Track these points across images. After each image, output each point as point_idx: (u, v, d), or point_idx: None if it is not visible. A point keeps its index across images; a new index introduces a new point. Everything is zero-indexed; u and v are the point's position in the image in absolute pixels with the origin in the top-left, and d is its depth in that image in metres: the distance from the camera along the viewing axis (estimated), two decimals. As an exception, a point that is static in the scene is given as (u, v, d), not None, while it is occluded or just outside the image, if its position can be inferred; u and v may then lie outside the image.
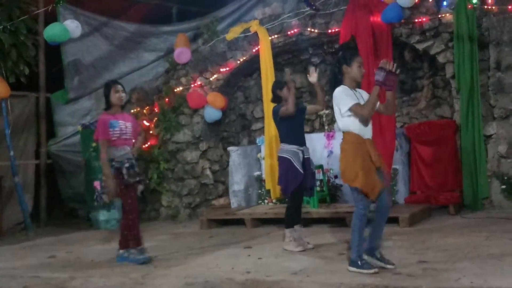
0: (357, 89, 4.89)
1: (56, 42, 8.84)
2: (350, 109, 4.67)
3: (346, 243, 6.02)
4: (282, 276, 4.74)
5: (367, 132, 4.78)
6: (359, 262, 4.65)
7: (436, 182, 7.77)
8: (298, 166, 5.84)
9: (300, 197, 6.10)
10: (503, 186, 7.37)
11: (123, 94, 5.97)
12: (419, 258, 4.94)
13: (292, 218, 6.01)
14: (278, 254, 5.71)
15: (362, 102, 4.75)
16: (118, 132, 5.82)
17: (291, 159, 5.84)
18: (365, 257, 4.74)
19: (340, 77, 4.84)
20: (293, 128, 5.99)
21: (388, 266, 4.71)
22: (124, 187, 5.77)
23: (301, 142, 5.96)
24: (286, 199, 6.48)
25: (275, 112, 6.06)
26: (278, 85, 6.16)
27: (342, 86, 4.80)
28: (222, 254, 5.95)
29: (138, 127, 6.23)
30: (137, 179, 5.88)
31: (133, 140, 6.07)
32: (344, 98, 4.70)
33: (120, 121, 5.87)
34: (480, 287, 3.95)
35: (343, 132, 4.81)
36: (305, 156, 5.94)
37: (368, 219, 4.74)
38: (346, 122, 4.74)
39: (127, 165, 5.79)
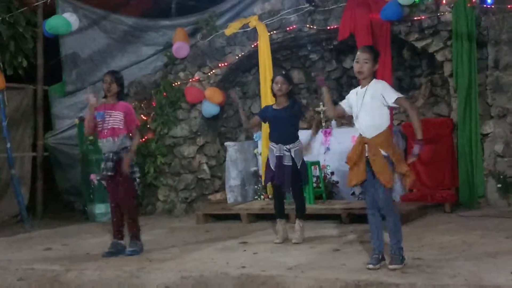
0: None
1: (56, 34, 8.83)
2: None
3: (341, 239, 6.07)
4: (277, 271, 4.74)
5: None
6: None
7: (433, 180, 7.79)
8: (271, 163, 6.07)
9: (278, 193, 6.18)
10: (499, 185, 7.39)
11: (109, 85, 5.79)
12: (414, 256, 4.95)
13: (275, 210, 6.26)
14: (274, 250, 5.72)
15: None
16: (100, 122, 5.77)
17: (269, 155, 6.12)
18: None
19: None
20: (271, 126, 6.19)
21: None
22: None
23: (277, 140, 6.06)
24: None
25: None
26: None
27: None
28: (217, 249, 5.96)
29: (132, 123, 5.85)
30: (108, 173, 5.72)
31: (122, 130, 5.77)
32: None
33: (106, 111, 5.77)
34: (475, 285, 3.96)
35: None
36: (276, 154, 6.02)
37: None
38: None
39: (106, 158, 5.78)
